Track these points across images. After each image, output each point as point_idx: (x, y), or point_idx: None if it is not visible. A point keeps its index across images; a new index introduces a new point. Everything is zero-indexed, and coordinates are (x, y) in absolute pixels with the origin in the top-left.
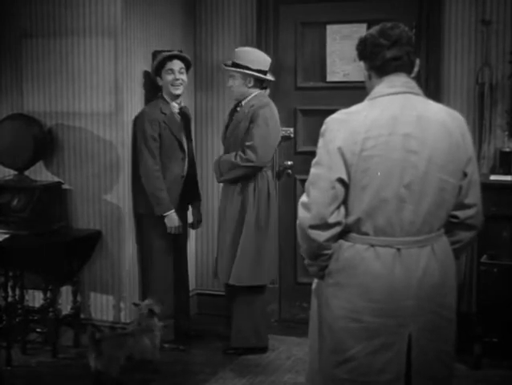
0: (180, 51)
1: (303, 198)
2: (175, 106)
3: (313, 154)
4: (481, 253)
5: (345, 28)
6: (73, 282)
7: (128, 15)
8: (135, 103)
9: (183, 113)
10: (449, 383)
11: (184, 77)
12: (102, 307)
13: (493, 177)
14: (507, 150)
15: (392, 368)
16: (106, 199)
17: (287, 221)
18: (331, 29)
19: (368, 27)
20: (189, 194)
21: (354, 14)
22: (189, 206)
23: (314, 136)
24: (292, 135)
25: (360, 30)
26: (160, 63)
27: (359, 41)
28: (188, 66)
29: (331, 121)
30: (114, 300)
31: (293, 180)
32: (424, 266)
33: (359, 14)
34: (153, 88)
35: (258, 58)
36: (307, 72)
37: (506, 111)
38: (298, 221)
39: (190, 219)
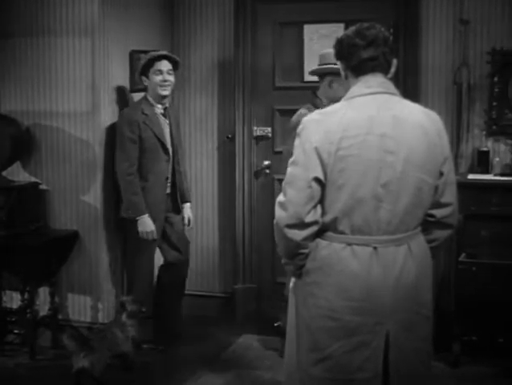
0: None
1: (280, 197)
2: (158, 107)
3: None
4: (460, 251)
5: (323, 28)
6: (51, 283)
7: (105, 15)
8: (112, 103)
9: (168, 114)
10: (427, 381)
11: (172, 78)
12: (80, 308)
13: (471, 176)
14: (485, 149)
15: (369, 366)
16: (83, 199)
17: (265, 221)
18: (308, 29)
19: (346, 27)
20: (181, 195)
21: (331, 14)
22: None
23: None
24: (270, 135)
25: (338, 30)
26: (148, 63)
27: (336, 41)
28: (176, 67)
29: (308, 121)
30: (92, 300)
31: (271, 180)
32: (401, 265)
33: (337, 13)
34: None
35: None
36: (285, 72)
37: (484, 111)
38: (275, 221)
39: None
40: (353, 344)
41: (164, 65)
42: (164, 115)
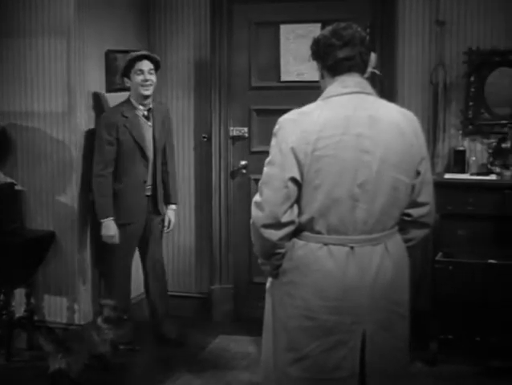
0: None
1: (256, 197)
2: (140, 108)
3: (267, 154)
4: (437, 250)
5: (299, 28)
6: (27, 284)
7: (81, 16)
8: (88, 103)
9: (152, 116)
10: (404, 380)
11: (153, 78)
12: (56, 309)
13: (447, 176)
14: (461, 149)
15: (346, 365)
16: (60, 200)
17: (242, 221)
18: (284, 28)
19: (322, 27)
20: (166, 196)
21: (308, 14)
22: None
23: (268, 136)
24: (246, 135)
25: (314, 30)
26: (129, 64)
27: (313, 41)
28: (157, 66)
29: (284, 121)
30: (68, 301)
31: (247, 180)
32: (378, 264)
33: (313, 13)
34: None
35: None
36: (261, 72)
37: (460, 111)
38: (251, 221)
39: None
40: (330, 343)
41: (145, 65)
42: (146, 116)
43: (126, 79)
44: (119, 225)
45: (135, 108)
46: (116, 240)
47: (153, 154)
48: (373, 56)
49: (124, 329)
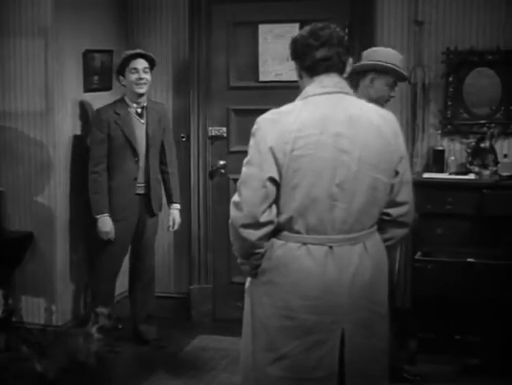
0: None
1: (235, 197)
2: (134, 106)
3: (246, 153)
4: (416, 249)
5: (277, 28)
6: (5, 285)
7: (59, 16)
8: (66, 103)
9: (146, 114)
10: (383, 379)
11: (148, 76)
12: (34, 310)
13: (426, 175)
14: (440, 148)
15: (325, 365)
16: (37, 200)
17: (221, 221)
18: (263, 28)
19: (301, 27)
20: (168, 196)
21: (286, 14)
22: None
23: (247, 136)
24: (225, 135)
25: (292, 30)
26: (124, 62)
27: (291, 41)
28: (152, 65)
29: (262, 121)
30: (46, 303)
31: (226, 180)
32: (357, 263)
33: (292, 13)
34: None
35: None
36: (240, 72)
37: (439, 111)
38: (230, 220)
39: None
40: (309, 343)
41: (140, 63)
42: (140, 114)
43: (122, 78)
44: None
45: (128, 106)
46: (112, 235)
47: (145, 152)
48: (350, 61)
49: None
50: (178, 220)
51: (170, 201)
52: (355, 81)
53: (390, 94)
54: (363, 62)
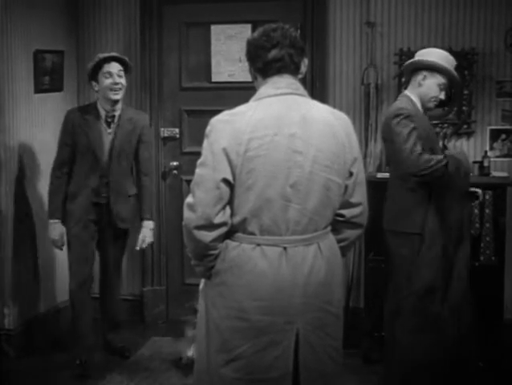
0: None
1: (188, 199)
2: (103, 114)
3: (199, 154)
4: (369, 249)
5: (229, 28)
6: None
7: (8, 15)
8: (15, 104)
9: (118, 123)
10: (338, 378)
11: (123, 81)
12: None
13: (379, 175)
14: None
15: (279, 365)
16: None
17: (174, 222)
18: (215, 29)
19: (253, 28)
20: (140, 213)
21: (238, 15)
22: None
23: (200, 137)
24: (178, 136)
25: (245, 31)
26: (96, 66)
27: (246, 42)
28: (127, 68)
29: (216, 122)
30: None
31: (179, 181)
32: (311, 264)
33: (244, 14)
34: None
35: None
36: (192, 73)
37: None
38: (183, 222)
39: None
40: (263, 344)
41: (114, 67)
42: (108, 122)
43: (94, 83)
44: (68, 229)
45: (98, 112)
46: (58, 244)
47: (109, 163)
48: (305, 61)
49: None
50: (149, 239)
51: (141, 217)
52: (406, 77)
53: (439, 95)
54: (419, 58)
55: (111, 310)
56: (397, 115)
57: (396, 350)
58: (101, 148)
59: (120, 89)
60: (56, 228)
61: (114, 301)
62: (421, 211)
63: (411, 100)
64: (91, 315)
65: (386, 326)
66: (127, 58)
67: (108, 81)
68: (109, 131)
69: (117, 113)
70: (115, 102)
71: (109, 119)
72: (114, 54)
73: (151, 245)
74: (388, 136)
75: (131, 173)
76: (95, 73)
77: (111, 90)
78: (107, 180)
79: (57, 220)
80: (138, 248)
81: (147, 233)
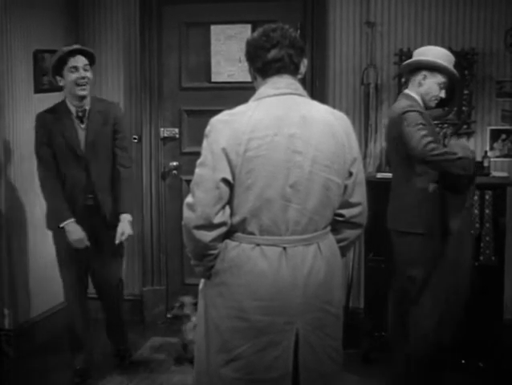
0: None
1: (188, 199)
2: (73, 110)
3: (199, 154)
4: (369, 249)
5: (229, 29)
6: None
7: (8, 15)
8: (16, 104)
9: (89, 118)
10: (338, 379)
11: (89, 74)
12: None
13: (379, 175)
14: None
15: (279, 365)
16: None
17: (173, 222)
18: (215, 29)
19: (253, 28)
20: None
21: (238, 15)
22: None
23: (199, 137)
24: (177, 136)
25: (245, 31)
26: (61, 60)
27: (246, 43)
28: (92, 61)
29: (216, 122)
30: None
31: (179, 181)
32: (311, 264)
33: (244, 14)
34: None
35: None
36: (192, 73)
37: None
38: (183, 222)
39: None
40: (263, 344)
41: (80, 60)
42: (80, 118)
43: (59, 78)
44: (57, 231)
45: (68, 109)
46: (82, 244)
47: (88, 159)
48: (305, 62)
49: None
50: (128, 232)
51: (119, 211)
52: (406, 77)
53: (439, 94)
54: (418, 58)
55: (115, 312)
56: (409, 111)
57: (417, 336)
58: (79, 145)
59: (87, 83)
60: (76, 229)
61: (118, 302)
62: (425, 211)
63: (414, 99)
64: (88, 319)
65: (392, 324)
66: (92, 50)
67: (74, 75)
68: (83, 126)
69: (88, 107)
70: (83, 97)
71: (80, 114)
72: (78, 46)
73: (151, 245)
74: (397, 132)
75: (113, 167)
76: (59, 68)
77: (78, 85)
78: (90, 178)
79: (72, 220)
80: (118, 241)
81: (125, 226)
